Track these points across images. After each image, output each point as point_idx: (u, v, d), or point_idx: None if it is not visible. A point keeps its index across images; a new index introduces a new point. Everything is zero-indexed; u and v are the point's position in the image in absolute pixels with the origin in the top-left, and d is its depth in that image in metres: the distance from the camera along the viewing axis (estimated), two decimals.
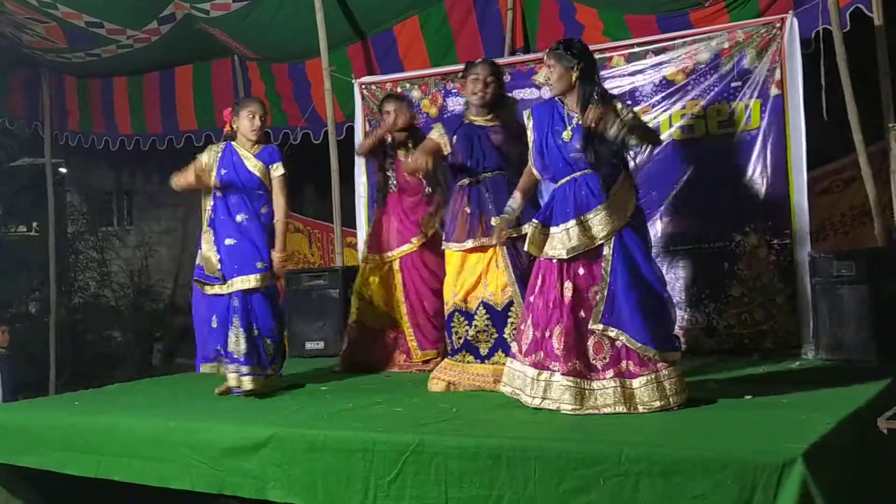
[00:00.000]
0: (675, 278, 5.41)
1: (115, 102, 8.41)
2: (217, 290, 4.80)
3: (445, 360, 4.67)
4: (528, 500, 3.11)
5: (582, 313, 3.84)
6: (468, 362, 4.55)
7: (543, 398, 3.85)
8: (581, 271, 3.86)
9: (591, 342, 3.82)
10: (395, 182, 5.51)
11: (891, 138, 5.22)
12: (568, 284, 3.86)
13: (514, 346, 4.03)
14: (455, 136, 4.64)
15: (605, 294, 3.78)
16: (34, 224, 10.50)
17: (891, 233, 5.31)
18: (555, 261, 3.90)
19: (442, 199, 5.23)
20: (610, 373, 3.76)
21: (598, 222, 3.82)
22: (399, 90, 6.25)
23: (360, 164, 6.40)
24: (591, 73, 3.95)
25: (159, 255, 11.86)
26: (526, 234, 4.42)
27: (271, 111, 7.86)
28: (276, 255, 4.80)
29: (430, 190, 5.38)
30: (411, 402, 4.31)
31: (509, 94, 4.81)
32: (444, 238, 4.75)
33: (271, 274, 4.81)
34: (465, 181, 4.60)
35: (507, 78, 5.86)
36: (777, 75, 5.24)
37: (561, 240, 3.85)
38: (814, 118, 5.25)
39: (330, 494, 3.54)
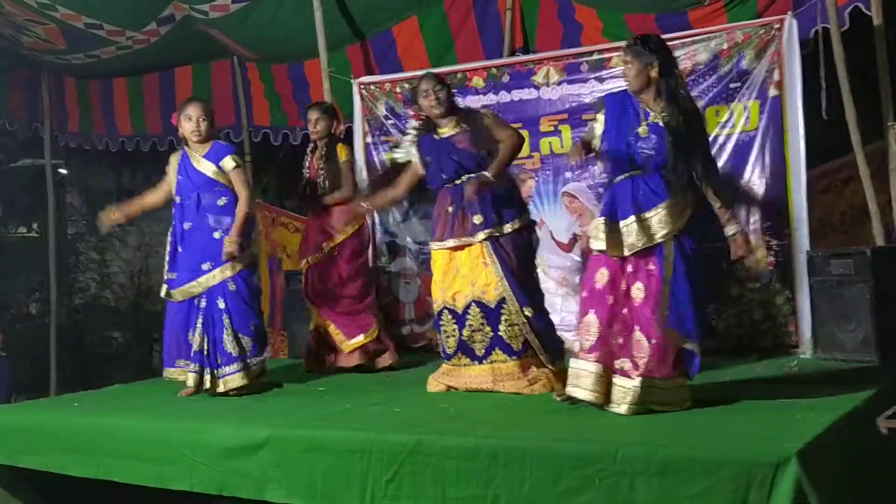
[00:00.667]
0: None
1: (114, 103, 8.41)
2: (178, 297, 4.89)
3: (443, 365, 4.64)
4: (524, 499, 3.12)
5: (625, 311, 3.78)
6: (464, 365, 4.53)
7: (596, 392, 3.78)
8: (630, 269, 3.80)
9: (633, 338, 3.75)
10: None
11: (890, 137, 5.22)
12: (624, 279, 3.80)
13: (576, 345, 3.92)
14: (427, 156, 4.64)
15: (668, 296, 3.72)
16: (34, 225, 10.50)
17: (890, 232, 5.31)
18: (613, 258, 3.82)
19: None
20: (640, 370, 3.72)
21: (658, 221, 3.76)
22: (398, 90, 6.27)
23: (359, 164, 6.42)
24: (671, 68, 3.88)
25: (159, 255, 11.82)
26: (509, 233, 4.44)
27: (271, 111, 7.91)
28: (226, 240, 4.77)
29: (328, 200, 5.54)
30: (410, 403, 4.32)
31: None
32: (430, 238, 4.76)
33: (226, 268, 4.80)
34: (449, 185, 4.58)
35: (505, 78, 5.92)
36: (776, 76, 5.25)
37: (623, 235, 3.79)
38: (812, 118, 5.25)
39: (329, 495, 3.55)
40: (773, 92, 5.27)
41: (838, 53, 5.13)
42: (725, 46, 5.37)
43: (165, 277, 4.96)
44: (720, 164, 5.38)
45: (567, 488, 3.05)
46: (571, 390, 3.84)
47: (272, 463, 3.71)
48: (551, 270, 5.77)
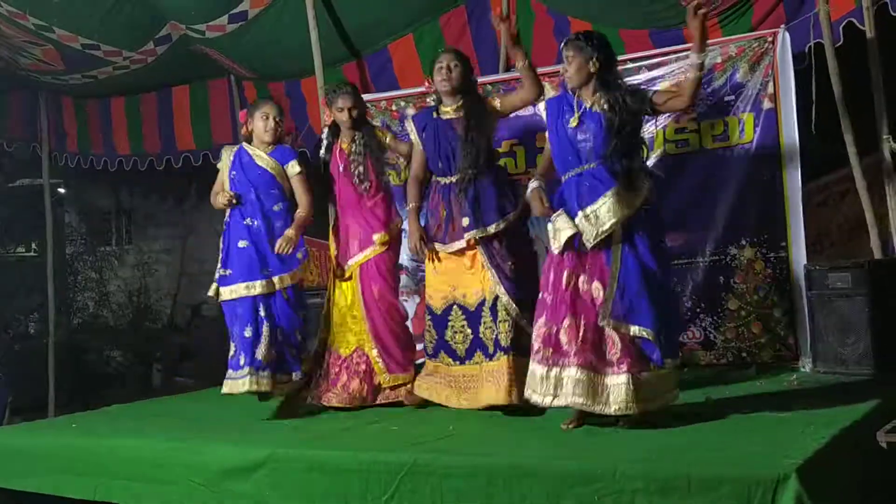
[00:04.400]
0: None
1: (112, 123, 8.42)
2: (230, 295, 4.81)
3: (428, 362, 4.62)
4: None
5: (595, 306, 3.79)
6: (447, 364, 4.52)
7: (555, 395, 3.79)
8: (589, 264, 3.83)
9: (605, 335, 3.77)
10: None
11: (885, 150, 5.23)
12: (583, 278, 3.82)
13: (540, 352, 3.90)
14: (424, 133, 4.63)
15: (615, 289, 3.73)
16: (33, 244, 10.49)
17: (887, 245, 5.30)
18: (565, 254, 3.85)
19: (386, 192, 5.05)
20: (623, 366, 3.72)
21: (605, 212, 3.76)
22: (394, 108, 6.28)
23: None
24: (611, 65, 3.93)
25: (158, 274, 11.87)
26: (495, 234, 4.41)
27: None
28: (285, 233, 4.77)
29: (367, 184, 4.91)
30: (408, 421, 4.31)
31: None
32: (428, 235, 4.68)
33: (284, 278, 4.80)
34: (441, 180, 4.57)
35: (500, 93, 5.90)
36: (770, 89, 5.26)
37: (573, 233, 3.80)
38: (808, 132, 5.26)
39: None
40: (767, 105, 5.28)
41: (833, 68, 5.14)
42: (719, 60, 5.38)
43: (218, 275, 4.85)
44: (718, 176, 5.40)
45: None
46: (528, 393, 3.86)
47: (270, 483, 3.70)
48: None
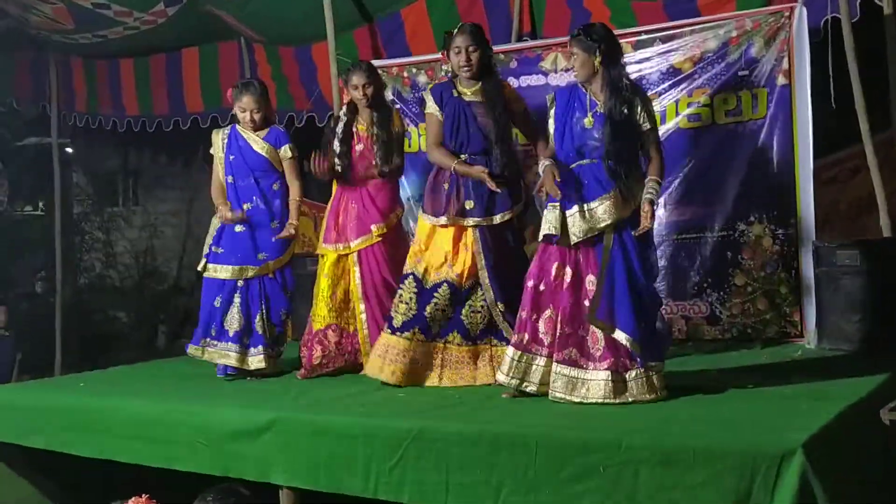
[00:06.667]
0: (678, 267, 5.41)
1: (121, 84, 8.41)
2: (220, 274, 4.90)
3: (390, 337, 4.38)
4: (528, 486, 3.13)
5: (586, 302, 3.84)
6: (419, 341, 4.38)
7: (522, 381, 3.90)
8: (581, 259, 3.87)
9: (589, 330, 3.83)
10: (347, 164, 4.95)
11: None
12: (568, 270, 3.87)
13: (524, 338, 3.97)
14: (444, 107, 4.50)
15: (603, 289, 3.78)
16: (40, 203, 10.50)
17: None
18: (556, 246, 3.90)
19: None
20: (605, 364, 3.77)
21: (602, 212, 3.81)
22: (405, 75, 6.25)
23: None
24: (615, 58, 3.94)
25: (164, 235, 11.88)
26: (498, 224, 4.37)
27: (278, 94, 7.86)
28: (288, 224, 4.87)
29: (385, 170, 4.85)
30: (414, 388, 4.33)
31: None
32: (421, 207, 4.63)
33: (280, 261, 4.91)
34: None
35: (513, 64, 5.88)
36: (784, 64, 5.21)
37: (568, 225, 3.85)
38: (820, 107, 5.22)
39: (332, 479, 3.57)
40: (781, 80, 5.24)
41: (849, 43, 5.09)
42: (735, 34, 5.33)
43: (207, 251, 4.95)
44: (729, 151, 5.38)
45: (571, 476, 3.05)
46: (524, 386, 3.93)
47: (276, 446, 3.73)
48: None
